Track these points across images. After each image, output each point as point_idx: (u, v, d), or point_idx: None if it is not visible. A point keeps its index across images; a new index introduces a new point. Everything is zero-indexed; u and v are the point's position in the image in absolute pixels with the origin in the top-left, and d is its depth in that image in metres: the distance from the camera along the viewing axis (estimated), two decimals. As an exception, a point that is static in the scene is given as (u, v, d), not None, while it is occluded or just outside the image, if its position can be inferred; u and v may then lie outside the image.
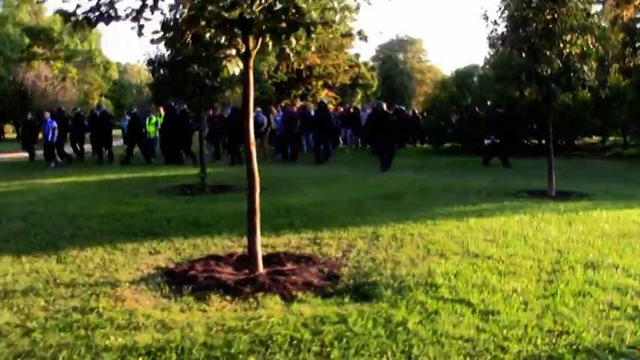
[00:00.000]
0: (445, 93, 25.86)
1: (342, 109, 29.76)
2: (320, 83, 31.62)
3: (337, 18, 6.19)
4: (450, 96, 25.11)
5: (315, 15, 6.00)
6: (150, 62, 14.05)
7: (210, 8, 5.74)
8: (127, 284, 6.08)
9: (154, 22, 6.05)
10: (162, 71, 14.01)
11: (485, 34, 13.04)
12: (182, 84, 13.17)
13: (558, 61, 11.51)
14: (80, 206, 11.21)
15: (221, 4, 5.79)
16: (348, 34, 6.69)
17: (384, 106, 19.73)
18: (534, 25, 11.59)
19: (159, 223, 9.43)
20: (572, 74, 11.96)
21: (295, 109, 24.71)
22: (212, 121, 23.13)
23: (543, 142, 22.88)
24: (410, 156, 23.18)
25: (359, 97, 43.81)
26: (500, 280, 5.99)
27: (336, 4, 6.21)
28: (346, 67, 33.11)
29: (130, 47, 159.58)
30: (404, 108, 31.08)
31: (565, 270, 6.40)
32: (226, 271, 6.50)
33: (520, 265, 6.58)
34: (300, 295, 5.64)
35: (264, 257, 6.67)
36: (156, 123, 23.17)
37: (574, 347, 4.36)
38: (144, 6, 5.76)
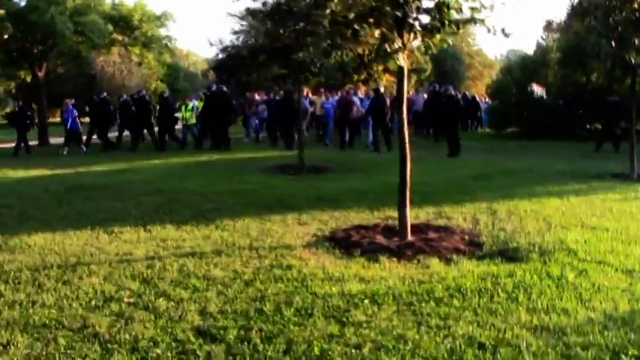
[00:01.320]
0: (510, 78, 26.52)
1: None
2: (381, 67, 32.38)
3: (482, 16, 7.15)
4: (516, 81, 25.79)
5: (465, 13, 7.02)
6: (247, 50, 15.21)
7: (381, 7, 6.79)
8: (301, 248, 7.14)
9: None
10: (260, 58, 15.11)
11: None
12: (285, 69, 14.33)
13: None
14: (198, 184, 12.36)
15: (386, 6, 6.83)
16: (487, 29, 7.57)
17: (451, 90, 20.38)
18: (623, 13, 12.25)
19: (285, 198, 10.48)
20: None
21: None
22: (269, 105, 23.51)
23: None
24: (476, 139, 24.01)
25: (413, 81, 44.37)
26: (626, 247, 6.94)
27: (478, 4, 7.16)
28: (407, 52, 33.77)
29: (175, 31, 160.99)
30: (466, 93, 31.81)
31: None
32: (379, 238, 7.52)
33: (638, 235, 7.52)
34: (454, 257, 6.65)
35: (406, 227, 7.67)
36: (193, 108, 22.96)
37: None
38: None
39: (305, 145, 16.01)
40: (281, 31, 13.70)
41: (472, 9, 7.10)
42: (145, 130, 22.18)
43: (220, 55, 37.53)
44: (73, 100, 22.34)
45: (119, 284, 5.79)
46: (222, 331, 4.59)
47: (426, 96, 26.67)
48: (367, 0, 7.04)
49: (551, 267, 6.14)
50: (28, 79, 32.19)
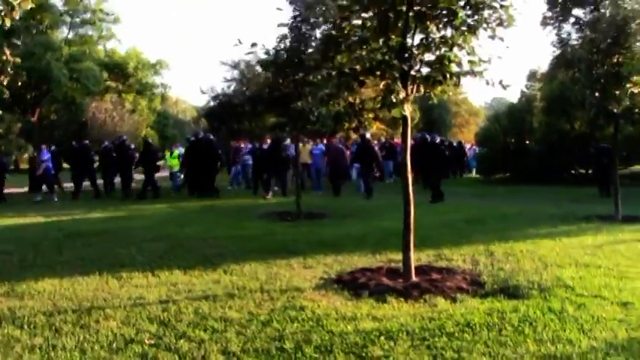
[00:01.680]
0: (498, 126, 27.30)
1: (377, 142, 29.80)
2: (371, 116, 33.22)
3: (480, 69, 7.66)
4: (504, 129, 26.59)
5: (465, 67, 7.54)
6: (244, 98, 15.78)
7: (389, 61, 7.29)
8: (311, 290, 7.46)
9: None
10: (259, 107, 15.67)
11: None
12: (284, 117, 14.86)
13: (627, 99, 12.85)
14: (198, 230, 12.70)
15: (394, 60, 7.33)
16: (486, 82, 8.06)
17: (436, 138, 20.84)
18: (605, 67, 12.95)
19: (287, 243, 10.80)
20: (637, 110, 13.31)
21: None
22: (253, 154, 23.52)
23: (589, 171, 24.24)
24: (465, 185, 24.56)
25: (400, 130, 45.21)
26: (619, 282, 7.37)
27: (477, 58, 7.67)
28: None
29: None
30: (451, 140, 32.54)
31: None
32: (385, 280, 7.86)
33: (628, 271, 7.97)
34: (459, 296, 7.00)
35: (409, 269, 8.03)
36: (179, 156, 23.45)
37: None
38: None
39: (290, 192, 16.22)
40: (280, 81, 14.20)
41: (471, 62, 7.61)
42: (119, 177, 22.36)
43: (212, 103, 38.20)
44: (50, 147, 23.15)
45: (137, 327, 6.05)
46: (249, 368, 4.89)
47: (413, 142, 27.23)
48: (374, 54, 7.54)
49: (551, 302, 6.53)
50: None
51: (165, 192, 22.08)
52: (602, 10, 13.82)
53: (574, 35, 34.05)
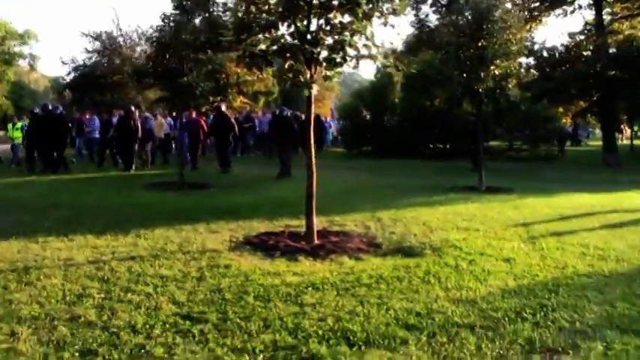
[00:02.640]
0: (361, 101, 28.64)
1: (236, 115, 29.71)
2: (235, 90, 33.73)
3: (376, 52, 8.46)
4: (365, 104, 27.96)
5: (363, 51, 8.31)
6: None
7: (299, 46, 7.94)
8: (226, 251, 8.03)
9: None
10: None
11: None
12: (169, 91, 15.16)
13: (490, 80, 14.23)
14: (95, 198, 12.92)
15: (304, 45, 7.99)
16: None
17: (286, 111, 20.60)
18: (471, 51, 14.25)
19: (185, 211, 11.16)
20: (498, 91, 14.76)
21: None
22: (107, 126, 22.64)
23: (447, 146, 26.12)
24: (332, 158, 25.66)
25: (261, 103, 45.79)
26: (498, 242, 8.52)
27: (371, 43, 8.46)
28: (260, 76, 35.20)
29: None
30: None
31: (538, 236, 9.00)
32: (290, 242, 8.56)
33: (504, 234, 9.16)
34: (361, 255, 7.83)
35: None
36: (22, 127, 22.41)
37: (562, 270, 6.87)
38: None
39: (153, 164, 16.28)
40: (165, 57, 14.52)
41: (366, 46, 8.38)
42: None
43: (72, 74, 37.12)
44: None
45: (81, 284, 6.40)
46: (203, 315, 5.45)
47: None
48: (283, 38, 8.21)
49: (445, 259, 7.52)
50: None
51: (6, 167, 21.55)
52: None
53: (432, 17, 35.98)
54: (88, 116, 25.03)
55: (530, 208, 11.85)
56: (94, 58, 36.70)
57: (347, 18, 8.38)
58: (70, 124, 20.97)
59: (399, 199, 13.00)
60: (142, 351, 4.70)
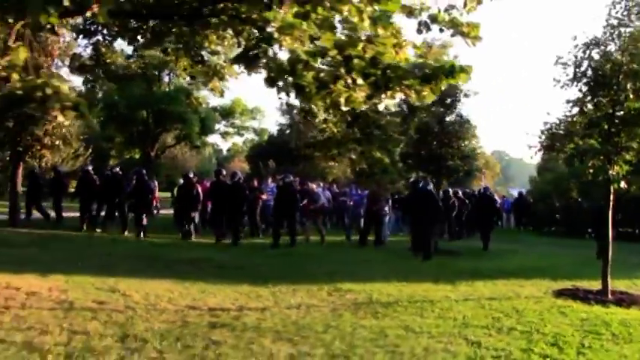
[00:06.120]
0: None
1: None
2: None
3: None
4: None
5: None
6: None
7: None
8: (553, 297, 11.35)
9: None
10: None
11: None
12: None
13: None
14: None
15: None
16: None
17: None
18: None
19: (474, 271, 14.61)
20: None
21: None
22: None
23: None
24: (523, 235, 28.53)
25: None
26: None
27: None
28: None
29: None
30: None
31: None
32: (590, 295, 11.77)
33: None
34: (653, 306, 10.96)
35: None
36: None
37: None
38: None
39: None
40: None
41: None
42: None
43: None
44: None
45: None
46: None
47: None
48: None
49: None
50: None
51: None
52: None
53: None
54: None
55: None
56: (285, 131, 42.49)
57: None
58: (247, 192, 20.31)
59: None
60: None
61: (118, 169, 22.03)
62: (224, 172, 20.99)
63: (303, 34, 7.69)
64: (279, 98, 10.16)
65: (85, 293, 9.51)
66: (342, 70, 8.16)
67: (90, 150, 33.03)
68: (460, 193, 25.06)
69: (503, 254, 19.18)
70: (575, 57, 11.01)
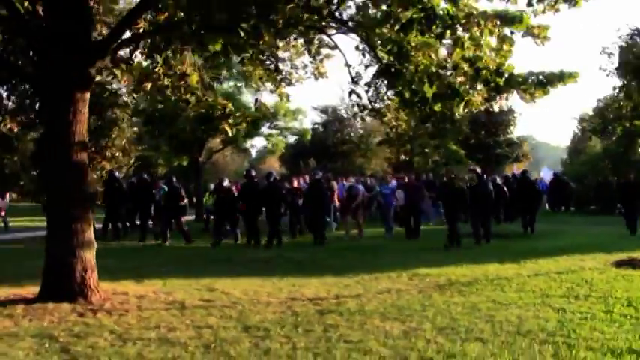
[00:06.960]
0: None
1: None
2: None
3: None
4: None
5: None
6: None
7: None
8: (612, 267, 12.19)
9: None
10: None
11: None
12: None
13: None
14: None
15: None
16: None
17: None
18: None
19: (541, 250, 15.46)
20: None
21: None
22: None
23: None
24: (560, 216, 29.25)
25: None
26: None
27: None
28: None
29: None
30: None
31: None
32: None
33: None
34: None
35: None
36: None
37: None
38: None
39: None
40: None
41: None
42: None
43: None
44: None
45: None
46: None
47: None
48: None
49: None
50: None
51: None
52: None
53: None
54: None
55: None
56: (320, 129, 43.66)
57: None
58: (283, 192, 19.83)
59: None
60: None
61: (145, 175, 22.52)
62: (253, 173, 20.70)
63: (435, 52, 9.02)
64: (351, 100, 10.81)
65: (188, 293, 10.16)
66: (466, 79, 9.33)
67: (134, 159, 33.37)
68: (498, 179, 25.56)
69: (552, 234, 20.21)
70: (620, 47, 11.94)
